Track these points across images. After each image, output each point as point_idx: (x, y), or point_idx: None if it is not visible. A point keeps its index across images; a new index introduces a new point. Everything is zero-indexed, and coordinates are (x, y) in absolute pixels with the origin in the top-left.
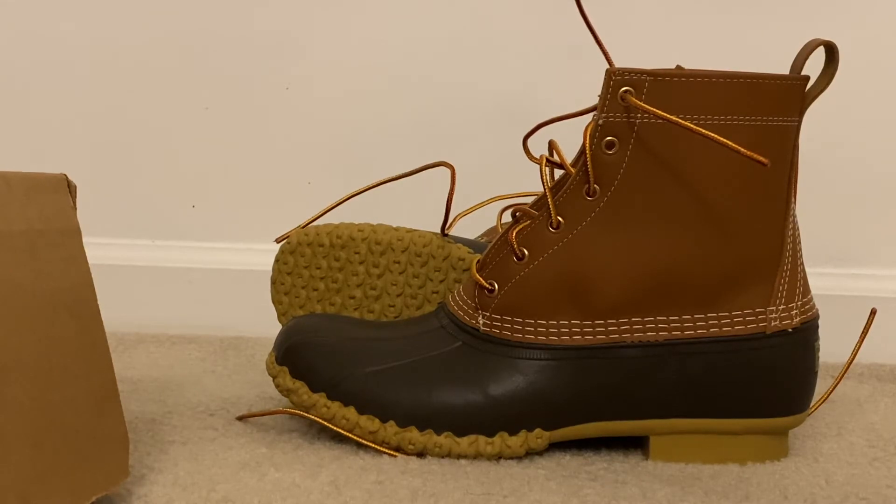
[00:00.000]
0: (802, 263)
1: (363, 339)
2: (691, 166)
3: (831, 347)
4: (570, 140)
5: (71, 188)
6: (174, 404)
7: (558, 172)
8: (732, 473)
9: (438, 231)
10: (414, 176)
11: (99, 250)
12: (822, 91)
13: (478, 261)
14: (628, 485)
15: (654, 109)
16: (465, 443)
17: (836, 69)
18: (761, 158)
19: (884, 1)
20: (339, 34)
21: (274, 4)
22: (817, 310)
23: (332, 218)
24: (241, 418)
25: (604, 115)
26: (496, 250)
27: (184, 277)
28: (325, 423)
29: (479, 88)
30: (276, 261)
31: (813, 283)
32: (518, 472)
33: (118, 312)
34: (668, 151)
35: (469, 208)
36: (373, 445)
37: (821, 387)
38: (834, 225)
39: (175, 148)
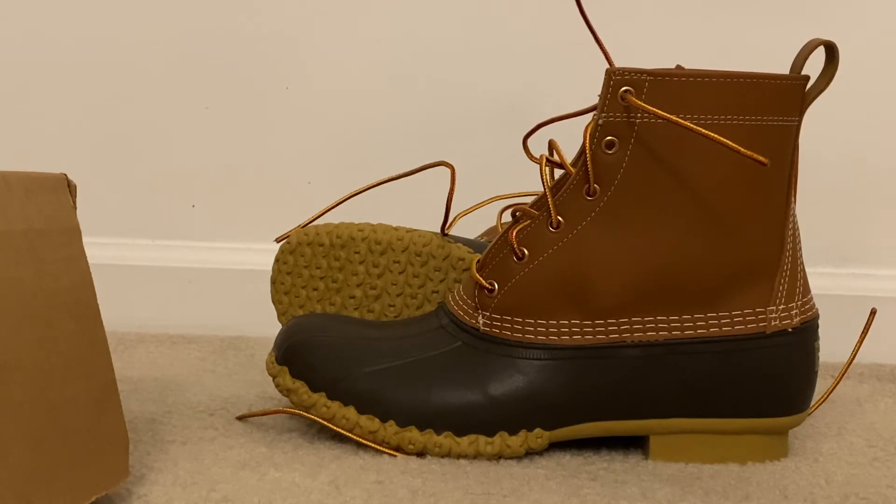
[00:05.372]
0: (802, 263)
1: (363, 338)
2: (691, 166)
3: (831, 347)
4: (570, 140)
5: (71, 188)
6: (174, 404)
7: (558, 172)
8: (732, 473)
9: (438, 231)
10: (414, 176)
11: (99, 250)
12: (822, 91)
13: (478, 260)
14: (628, 485)
15: (654, 109)
16: (465, 443)
17: (836, 69)
18: (761, 158)
19: (884, 1)
20: (339, 34)
21: (274, 4)
22: (817, 310)
23: (332, 218)
24: (241, 418)
25: (604, 114)
26: (496, 250)
27: (184, 277)
28: (325, 423)
29: (479, 88)
30: (276, 260)
31: (813, 283)
32: (518, 472)
33: (118, 312)
34: (668, 151)
35: (469, 208)
36: (373, 445)
37: (821, 387)
38: (834, 225)
39: (175, 148)
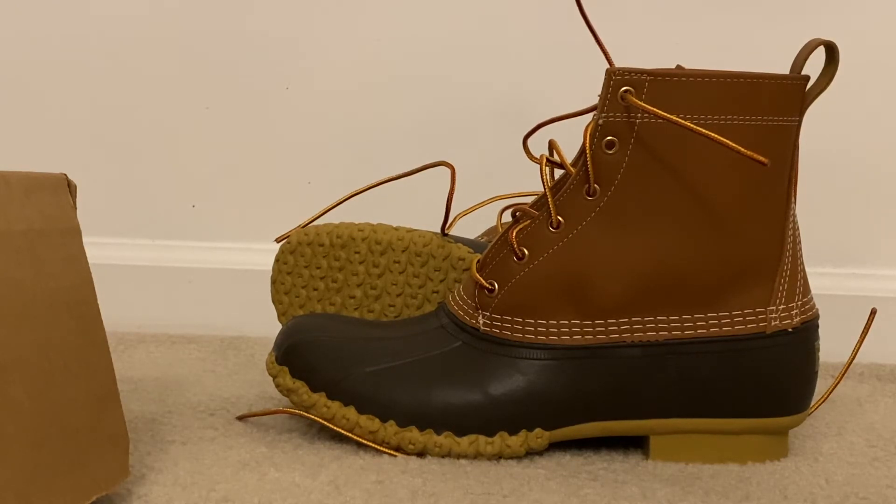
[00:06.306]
0: (802, 263)
1: (363, 338)
2: (691, 166)
3: (831, 347)
4: (570, 140)
5: (71, 188)
6: (174, 404)
7: (558, 172)
8: (732, 473)
9: (438, 231)
10: (414, 176)
11: (99, 250)
12: (822, 91)
13: (478, 260)
14: (628, 485)
15: (654, 109)
16: (465, 443)
17: (836, 69)
18: (761, 158)
19: (884, 1)
20: (339, 34)
21: (274, 4)
22: (817, 310)
23: (332, 218)
24: (241, 418)
25: (604, 114)
26: (496, 250)
27: (184, 277)
28: (325, 423)
29: (480, 88)
30: (276, 260)
31: (813, 283)
32: (518, 472)
33: (118, 312)
34: (668, 151)
35: (469, 208)
36: (373, 445)
37: (821, 387)
38: (834, 225)
39: (175, 148)
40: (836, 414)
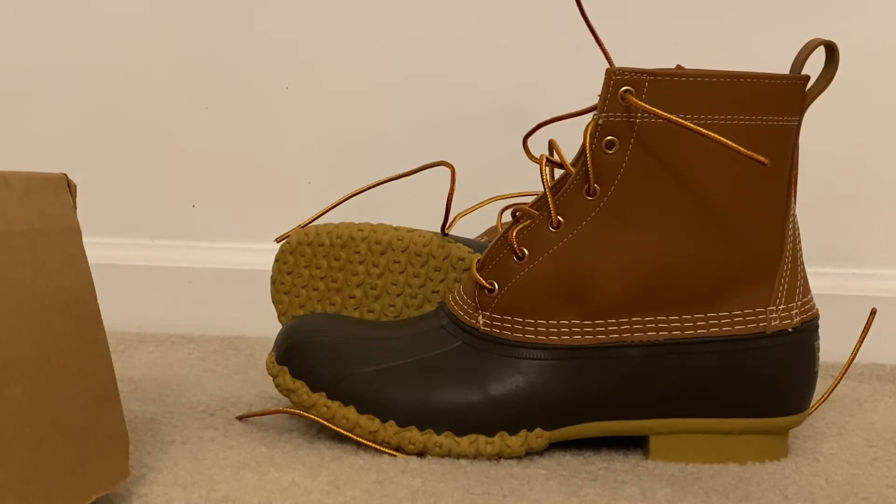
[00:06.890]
0: (802, 263)
1: (363, 338)
2: (691, 166)
3: (831, 347)
4: (570, 140)
5: (71, 188)
6: (174, 404)
7: (558, 172)
8: (732, 473)
9: (438, 231)
10: (414, 176)
11: (99, 250)
12: (822, 91)
13: (478, 260)
14: (628, 485)
15: (655, 109)
16: (465, 442)
17: (836, 69)
18: (761, 158)
19: (884, 1)
20: (339, 34)
21: (274, 4)
22: (817, 310)
23: (332, 218)
24: (241, 418)
25: (604, 114)
26: (496, 250)
27: (184, 277)
28: (325, 423)
29: (479, 88)
30: (276, 260)
31: (813, 283)
32: (518, 472)
33: (118, 312)
34: (668, 151)
35: (469, 208)
36: (373, 445)
37: (821, 387)
38: (834, 225)
39: (175, 148)
40: (836, 414)
